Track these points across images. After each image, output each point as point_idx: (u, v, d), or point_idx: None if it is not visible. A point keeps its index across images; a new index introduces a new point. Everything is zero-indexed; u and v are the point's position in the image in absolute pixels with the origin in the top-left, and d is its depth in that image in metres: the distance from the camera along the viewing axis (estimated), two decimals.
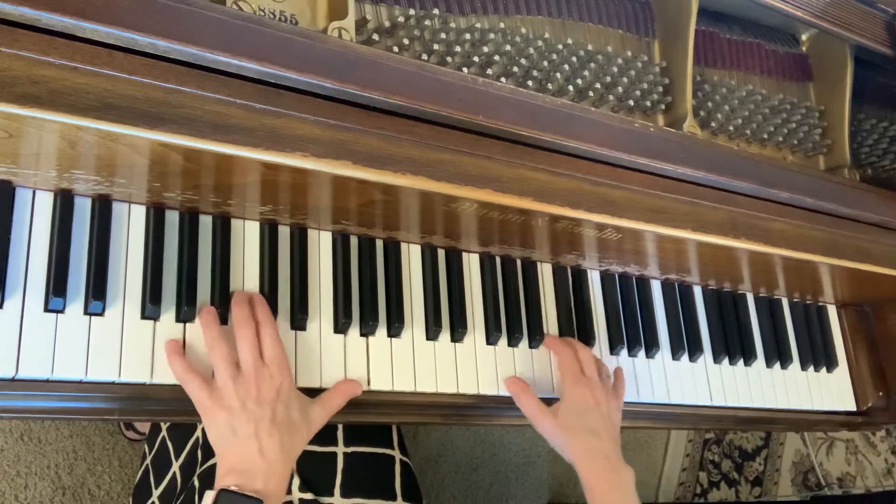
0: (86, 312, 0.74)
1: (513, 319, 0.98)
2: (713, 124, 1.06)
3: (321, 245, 0.89)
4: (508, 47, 0.90)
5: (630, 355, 1.07)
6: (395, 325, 0.89)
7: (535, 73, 0.91)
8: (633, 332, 1.08)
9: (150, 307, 0.76)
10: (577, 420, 0.90)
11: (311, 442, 0.93)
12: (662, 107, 1.01)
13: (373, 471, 0.97)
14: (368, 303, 0.88)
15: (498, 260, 1.00)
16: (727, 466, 2.30)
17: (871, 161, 1.21)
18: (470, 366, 0.94)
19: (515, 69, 0.90)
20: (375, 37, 0.82)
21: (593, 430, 0.90)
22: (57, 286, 0.72)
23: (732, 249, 0.98)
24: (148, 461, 1.00)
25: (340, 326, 0.87)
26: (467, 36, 0.86)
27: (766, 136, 1.12)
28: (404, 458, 1.02)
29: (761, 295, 1.24)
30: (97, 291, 0.74)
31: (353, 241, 0.91)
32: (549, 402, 0.94)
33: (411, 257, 0.94)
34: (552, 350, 0.99)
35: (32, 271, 0.72)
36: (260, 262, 0.84)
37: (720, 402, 1.14)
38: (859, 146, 1.22)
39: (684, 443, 2.25)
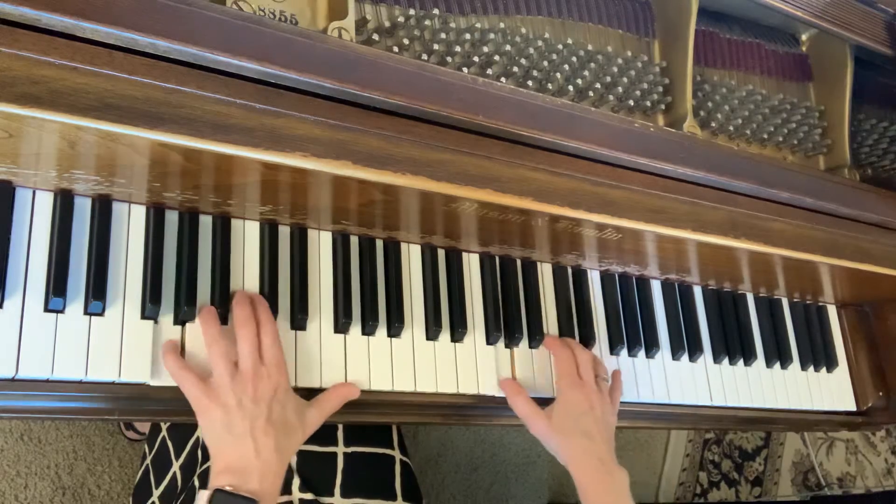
0: (86, 312, 0.74)
1: (513, 319, 0.98)
2: (713, 124, 1.06)
3: (321, 245, 0.89)
4: (508, 47, 0.90)
5: (630, 355, 1.07)
6: (395, 325, 0.89)
7: (535, 73, 0.91)
8: (633, 332, 1.08)
9: (150, 307, 0.76)
10: (570, 423, 0.91)
11: (312, 442, 0.93)
12: (662, 107, 1.01)
13: (373, 471, 0.97)
14: (368, 303, 0.88)
15: (498, 260, 1.00)
16: (727, 466, 2.30)
17: (871, 161, 1.21)
18: (470, 366, 0.94)
19: (515, 69, 0.90)
20: (375, 37, 0.82)
21: (587, 433, 0.90)
22: (57, 286, 0.72)
23: (732, 249, 0.98)
24: (148, 461, 1.00)
25: (340, 326, 0.87)
26: (467, 36, 0.86)
27: (766, 136, 1.12)
28: (404, 458, 1.02)
29: (761, 295, 1.24)
30: (97, 291, 0.74)
31: (354, 241, 0.90)
32: (549, 402, 0.94)
33: (411, 257, 0.94)
34: (551, 350, 0.99)
35: (32, 271, 0.72)
36: (260, 262, 0.84)
37: (720, 402, 1.14)
38: (859, 146, 1.22)
39: (684, 443, 2.25)
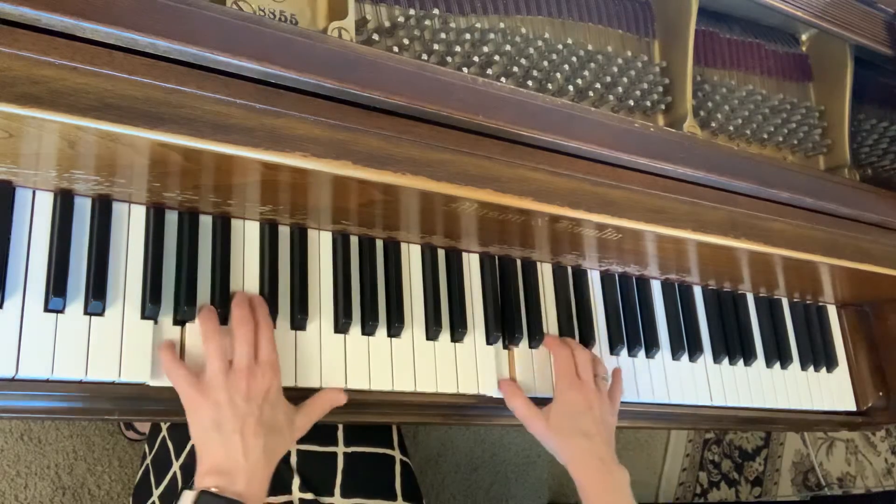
0: (86, 312, 0.74)
1: (512, 319, 0.98)
2: (713, 124, 1.06)
3: (321, 245, 0.89)
4: (508, 47, 0.90)
5: (630, 355, 1.07)
6: (395, 325, 0.89)
7: (535, 73, 0.91)
8: (633, 332, 1.08)
9: (150, 307, 0.76)
10: (569, 423, 0.90)
11: (312, 442, 0.93)
12: (662, 107, 1.01)
13: (373, 471, 0.97)
14: (368, 303, 0.88)
15: (498, 260, 1.00)
16: (727, 466, 2.30)
17: (871, 161, 1.21)
18: (470, 366, 0.94)
19: (515, 69, 0.90)
20: (375, 37, 0.82)
21: (585, 433, 0.90)
22: (57, 286, 0.72)
23: (732, 249, 0.98)
24: (148, 461, 1.00)
25: (340, 326, 0.87)
26: (467, 36, 0.86)
27: (766, 136, 1.12)
28: (404, 458, 1.02)
29: (761, 295, 1.24)
30: (97, 291, 0.74)
31: (354, 241, 0.91)
32: (549, 402, 0.94)
33: (411, 257, 0.94)
34: (550, 350, 0.99)
35: (32, 271, 0.72)
36: (260, 262, 0.84)
37: (720, 402, 1.14)
38: (859, 146, 1.22)
39: (684, 443, 2.25)
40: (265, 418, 0.74)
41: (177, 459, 0.95)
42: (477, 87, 0.78)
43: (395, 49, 0.83)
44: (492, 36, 0.88)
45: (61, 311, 0.73)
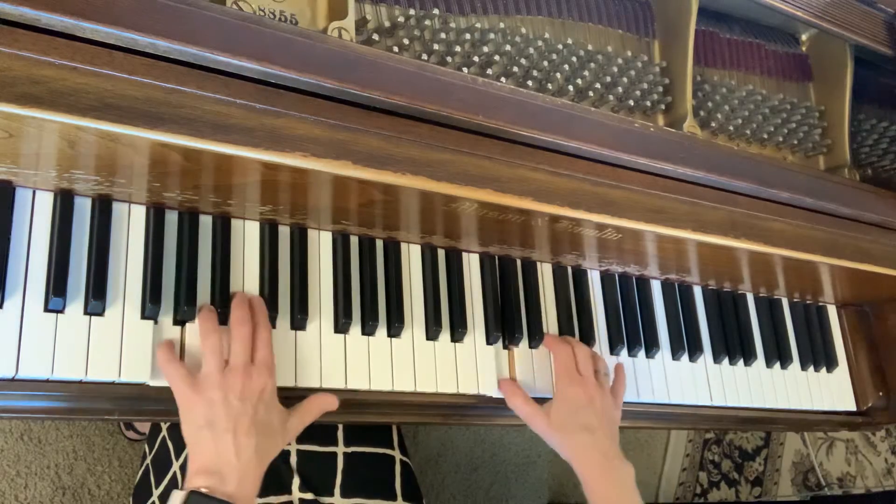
0: (86, 312, 0.74)
1: (512, 319, 0.98)
2: (713, 124, 1.06)
3: (321, 245, 0.89)
4: (508, 47, 0.90)
5: (630, 355, 1.07)
6: (395, 325, 0.89)
7: (535, 73, 0.91)
8: (633, 332, 1.08)
9: (150, 307, 0.76)
10: (569, 418, 0.90)
11: (312, 442, 0.93)
12: (662, 107, 1.01)
13: (373, 471, 0.97)
14: (368, 303, 0.88)
15: (498, 260, 1.00)
16: (727, 466, 2.30)
17: (871, 161, 1.21)
18: (470, 366, 0.94)
19: (515, 69, 0.90)
20: (375, 37, 0.82)
21: (587, 427, 0.89)
22: (57, 286, 0.72)
23: (732, 249, 0.98)
24: (148, 461, 1.00)
25: (341, 326, 0.87)
26: (467, 36, 0.86)
27: (766, 136, 1.12)
28: (404, 458, 1.02)
29: (761, 295, 1.24)
30: (97, 291, 0.74)
31: (354, 241, 0.91)
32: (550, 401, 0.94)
33: (411, 257, 0.94)
34: (550, 348, 0.99)
35: (32, 271, 0.72)
36: (260, 262, 0.84)
37: (720, 402, 1.14)
38: (859, 146, 1.22)
39: (684, 443, 2.25)
40: (258, 418, 0.74)
41: (177, 459, 0.95)
42: (477, 87, 0.78)
43: (395, 49, 0.83)
44: (492, 36, 0.88)
45: (61, 311, 0.73)
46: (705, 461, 2.27)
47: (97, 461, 1.47)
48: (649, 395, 1.07)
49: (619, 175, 0.86)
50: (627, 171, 0.87)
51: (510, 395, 0.94)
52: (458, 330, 0.94)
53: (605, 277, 1.09)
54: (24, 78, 0.58)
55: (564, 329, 1.03)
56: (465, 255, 0.98)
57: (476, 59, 0.87)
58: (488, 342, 0.96)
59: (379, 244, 0.92)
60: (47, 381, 0.72)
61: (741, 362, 1.18)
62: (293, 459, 0.92)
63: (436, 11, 0.86)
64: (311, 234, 0.88)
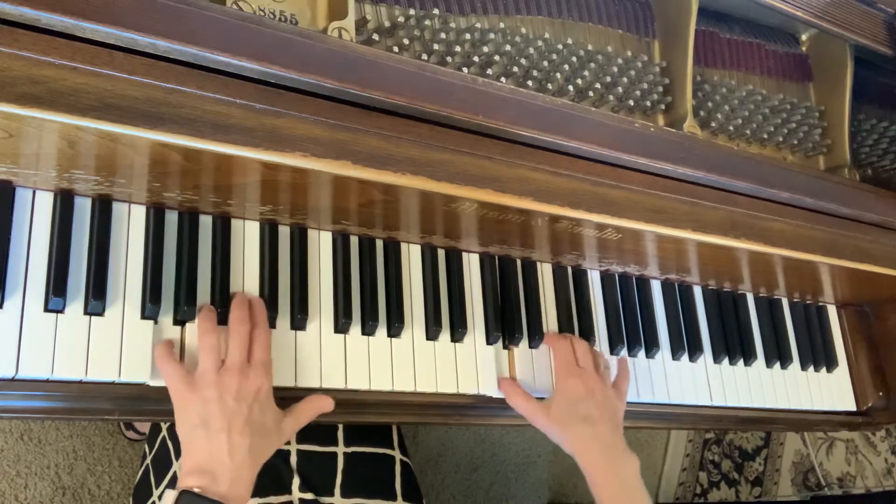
0: (86, 312, 0.74)
1: (512, 319, 0.98)
2: (713, 124, 1.06)
3: (321, 245, 0.89)
4: (508, 47, 0.90)
5: (630, 355, 1.07)
6: (395, 325, 0.89)
7: (535, 73, 0.91)
8: (633, 331, 1.08)
9: (150, 307, 0.76)
10: (569, 411, 0.90)
11: (312, 442, 0.94)
12: (662, 107, 1.01)
13: (373, 471, 0.97)
14: (368, 303, 0.88)
15: (498, 260, 1.00)
16: (727, 466, 2.30)
17: (871, 161, 1.21)
18: (470, 366, 0.94)
19: (515, 69, 0.90)
20: (375, 37, 0.82)
21: (587, 419, 0.89)
22: (57, 286, 0.72)
23: (732, 249, 0.98)
24: (148, 461, 1.00)
25: (341, 326, 0.87)
26: (467, 36, 0.86)
27: (766, 136, 1.12)
28: (404, 458, 1.02)
29: (761, 295, 1.24)
30: (97, 291, 0.74)
31: (354, 241, 0.91)
32: None
33: (411, 257, 0.94)
34: (549, 345, 0.99)
35: (32, 271, 0.72)
36: (260, 262, 0.84)
37: (720, 402, 1.14)
38: (859, 146, 1.22)
39: (684, 443, 2.25)
40: (253, 418, 0.74)
41: (177, 459, 0.95)
42: (477, 87, 0.78)
43: (395, 49, 0.83)
44: (492, 36, 0.88)
45: (61, 311, 0.73)
46: (705, 461, 2.27)
47: (97, 461, 1.47)
48: (649, 395, 1.07)
49: (619, 175, 0.86)
50: (627, 171, 0.87)
51: (510, 393, 0.94)
52: (458, 330, 0.94)
53: (605, 277, 1.09)
54: (24, 78, 0.58)
55: (564, 329, 1.03)
56: (465, 255, 0.98)
57: (476, 59, 0.87)
58: (488, 342, 0.96)
59: (379, 244, 0.92)
60: (47, 381, 0.72)
61: (741, 362, 1.18)
62: (293, 459, 0.92)
63: (436, 11, 0.86)
64: (311, 234, 0.88)
